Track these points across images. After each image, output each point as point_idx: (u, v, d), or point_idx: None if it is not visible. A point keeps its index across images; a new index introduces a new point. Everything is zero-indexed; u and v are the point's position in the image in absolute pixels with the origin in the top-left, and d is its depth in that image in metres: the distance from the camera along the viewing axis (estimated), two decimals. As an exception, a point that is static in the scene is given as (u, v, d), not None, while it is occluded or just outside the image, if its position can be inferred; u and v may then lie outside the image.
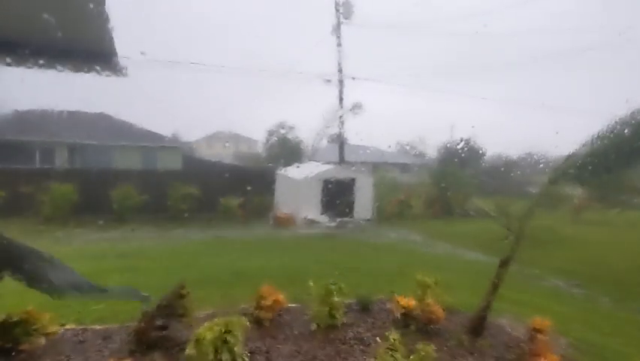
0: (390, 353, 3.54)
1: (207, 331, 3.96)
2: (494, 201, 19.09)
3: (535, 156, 23.80)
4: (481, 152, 33.66)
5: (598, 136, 5.12)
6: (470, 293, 6.12)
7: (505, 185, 22.25)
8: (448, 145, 33.86)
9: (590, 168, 5.22)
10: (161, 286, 6.33)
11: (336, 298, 5.30)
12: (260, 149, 37.80)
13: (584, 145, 5.25)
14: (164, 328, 4.48)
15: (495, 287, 5.42)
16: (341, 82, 24.29)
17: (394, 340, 3.70)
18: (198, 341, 3.86)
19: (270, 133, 32.02)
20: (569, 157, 5.44)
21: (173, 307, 4.50)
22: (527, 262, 9.27)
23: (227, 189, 19.39)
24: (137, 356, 4.10)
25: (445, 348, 4.92)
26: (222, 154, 42.44)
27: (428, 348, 3.70)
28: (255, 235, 14.77)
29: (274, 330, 5.17)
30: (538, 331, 4.63)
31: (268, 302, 5.29)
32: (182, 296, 4.57)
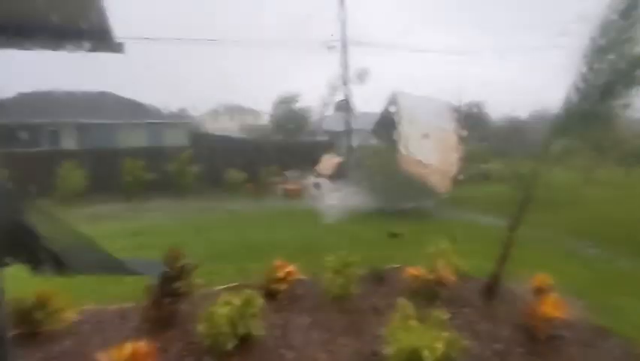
0: (402, 320, 3.52)
1: (222, 306, 3.99)
2: (505, 163, 18.90)
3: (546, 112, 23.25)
4: (487, 113, 33.09)
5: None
6: (483, 259, 6.07)
7: (517, 146, 21.87)
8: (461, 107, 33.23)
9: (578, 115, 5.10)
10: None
11: (349, 270, 5.30)
12: (266, 121, 37.53)
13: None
14: (171, 304, 4.49)
15: (506, 252, 5.37)
16: (345, 47, 23.69)
17: (405, 307, 3.68)
18: (212, 316, 3.90)
19: (276, 105, 31.69)
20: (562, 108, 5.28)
21: (176, 285, 4.48)
22: (539, 224, 9.16)
23: (235, 163, 19.39)
24: (153, 334, 4.14)
25: (460, 315, 4.91)
26: (228, 128, 42.26)
27: (441, 314, 3.68)
28: (266, 208, 14.81)
29: (289, 303, 5.20)
30: (543, 289, 4.60)
31: (281, 275, 5.31)
32: (184, 273, 4.56)
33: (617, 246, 8.58)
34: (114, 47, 2.99)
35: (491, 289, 5.42)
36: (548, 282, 5.27)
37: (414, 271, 5.47)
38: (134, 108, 26.35)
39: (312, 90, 56.50)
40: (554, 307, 4.39)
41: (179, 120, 28.74)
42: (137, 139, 23.47)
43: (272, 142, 25.38)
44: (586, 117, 5.20)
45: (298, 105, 30.97)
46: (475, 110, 33.61)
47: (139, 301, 4.62)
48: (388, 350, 3.51)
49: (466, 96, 35.81)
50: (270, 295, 5.20)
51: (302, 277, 5.81)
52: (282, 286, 5.29)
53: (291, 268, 5.47)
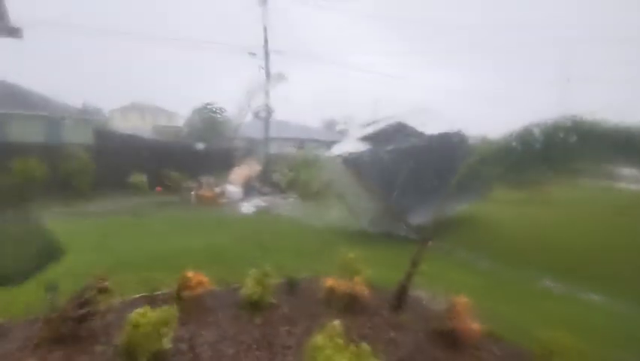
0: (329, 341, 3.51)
1: (135, 320, 3.75)
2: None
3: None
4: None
5: (512, 135, 5.51)
6: (390, 269, 6.37)
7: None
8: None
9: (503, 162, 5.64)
10: (68, 272, 5.80)
11: (266, 280, 5.23)
12: (180, 122, 35.91)
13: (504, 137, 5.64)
14: (79, 321, 4.09)
15: (415, 263, 5.70)
16: (267, 54, 23.70)
17: (335, 328, 3.66)
18: (125, 331, 3.67)
19: (193, 107, 30.59)
20: (486, 144, 5.80)
21: (88, 301, 4.12)
22: (444, 238, 9.88)
23: (144, 165, 18.26)
24: (41, 352, 3.70)
25: (370, 324, 5.09)
26: (140, 127, 39.73)
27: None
28: (176, 214, 14.10)
29: (198, 315, 4.97)
30: (458, 302, 4.95)
31: (192, 286, 5.07)
32: (100, 291, 4.22)
33: (503, 258, 9.53)
34: (10, 31, 2.67)
35: (399, 299, 5.69)
36: (455, 292, 5.65)
37: (328, 280, 5.56)
38: (30, 99, 23.60)
39: (231, 95, 55.57)
40: (463, 317, 4.74)
41: (83, 115, 26.34)
42: (33, 134, 20.99)
43: (186, 145, 24.36)
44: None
45: (216, 109, 30.17)
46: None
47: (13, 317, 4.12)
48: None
49: (382, 114, 37.60)
50: (178, 307, 4.93)
51: (213, 287, 5.60)
52: (192, 298, 5.05)
53: (201, 278, 5.25)
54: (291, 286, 6.03)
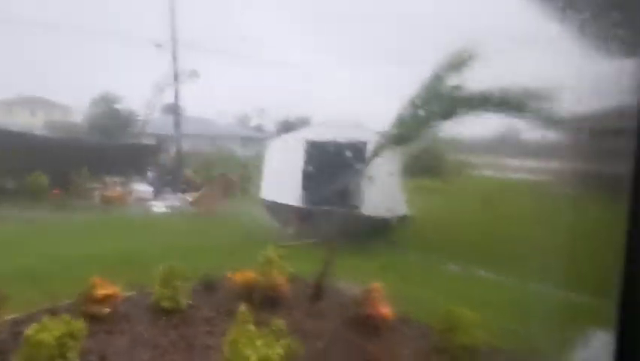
0: (242, 331, 3.55)
1: (32, 338, 3.44)
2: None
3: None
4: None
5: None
6: (314, 263, 6.54)
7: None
8: (289, 120, 35.11)
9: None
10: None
11: (178, 281, 5.09)
12: (78, 118, 32.93)
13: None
14: None
15: (331, 254, 5.95)
16: (175, 47, 22.62)
17: (245, 315, 3.71)
18: (25, 350, 3.36)
19: (94, 101, 28.14)
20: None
21: None
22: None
23: (38, 165, 16.48)
24: None
25: (289, 316, 5.20)
26: (29, 123, 35.63)
27: (279, 323, 3.83)
28: (79, 218, 12.98)
29: (108, 324, 4.69)
30: (372, 290, 5.26)
31: (99, 295, 4.76)
32: None
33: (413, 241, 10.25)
34: None
35: (318, 290, 5.89)
36: (372, 281, 5.95)
37: (246, 277, 5.57)
38: None
39: (138, 89, 51.97)
40: (376, 303, 5.04)
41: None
42: None
43: (87, 143, 22.42)
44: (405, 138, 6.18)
45: (120, 104, 28.13)
46: (303, 124, 36.02)
47: None
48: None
49: (294, 111, 38.04)
50: (86, 318, 4.61)
51: (124, 293, 5.32)
52: (100, 307, 4.75)
53: (110, 285, 4.95)
54: (209, 286, 5.94)
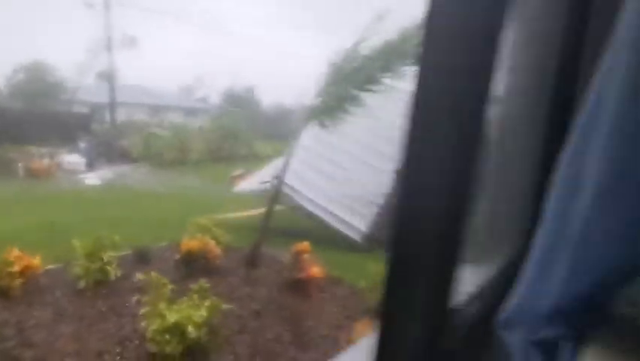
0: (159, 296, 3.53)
1: None
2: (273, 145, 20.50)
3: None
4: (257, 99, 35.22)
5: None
6: (251, 232, 6.53)
7: (281, 130, 23.92)
8: (231, 91, 34.18)
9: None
10: None
11: (106, 253, 4.91)
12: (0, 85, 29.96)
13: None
14: None
15: (267, 222, 5.99)
16: (108, 6, 20.98)
17: (159, 281, 3.69)
18: None
19: (17, 66, 25.60)
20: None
21: None
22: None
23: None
24: None
25: (225, 283, 5.21)
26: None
27: (202, 283, 3.84)
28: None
29: (27, 297, 4.46)
30: (301, 252, 5.36)
31: (15, 268, 4.48)
32: None
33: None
34: None
35: (253, 258, 5.91)
36: (305, 247, 6.03)
37: (190, 245, 5.46)
38: None
39: (68, 54, 47.73)
40: (308, 267, 5.16)
41: None
42: None
43: (9, 111, 20.55)
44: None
45: (47, 69, 25.80)
46: (247, 94, 35.15)
47: None
48: (150, 327, 3.46)
49: (241, 80, 37.01)
50: (2, 291, 4.35)
51: (48, 267, 5.06)
52: (17, 281, 4.47)
53: (29, 259, 4.67)
54: (141, 256, 5.78)
